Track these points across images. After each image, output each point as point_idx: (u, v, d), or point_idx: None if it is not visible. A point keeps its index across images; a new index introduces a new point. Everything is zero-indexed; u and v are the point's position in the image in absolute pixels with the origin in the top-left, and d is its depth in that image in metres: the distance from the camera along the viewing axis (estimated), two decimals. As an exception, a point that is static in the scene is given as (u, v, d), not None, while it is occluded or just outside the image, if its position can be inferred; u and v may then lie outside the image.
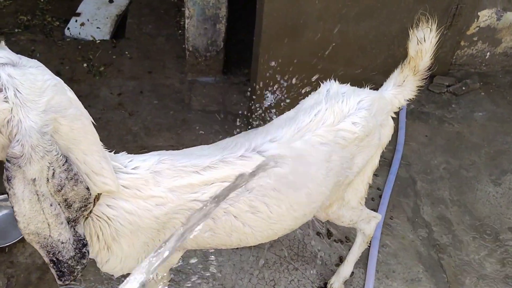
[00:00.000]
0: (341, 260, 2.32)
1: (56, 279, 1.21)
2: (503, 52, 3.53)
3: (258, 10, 2.46)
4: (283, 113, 1.68)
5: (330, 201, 1.72)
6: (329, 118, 1.52)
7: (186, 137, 2.93)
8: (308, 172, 1.50)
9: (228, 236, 1.51)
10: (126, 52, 3.53)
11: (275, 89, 2.66)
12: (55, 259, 1.18)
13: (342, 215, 1.84)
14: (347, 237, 2.42)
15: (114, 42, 3.62)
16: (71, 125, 1.12)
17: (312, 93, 1.70)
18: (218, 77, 3.37)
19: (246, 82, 3.34)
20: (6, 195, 2.38)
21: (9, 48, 1.11)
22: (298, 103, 1.70)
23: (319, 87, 1.70)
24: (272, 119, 1.69)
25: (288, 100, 2.48)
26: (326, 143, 1.49)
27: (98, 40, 3.63)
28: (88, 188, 1.18)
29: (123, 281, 1.02)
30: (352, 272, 2.22)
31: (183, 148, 1.56)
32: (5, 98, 1.01)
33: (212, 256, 2.27)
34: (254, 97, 2.75)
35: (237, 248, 1.87)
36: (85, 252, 1.23)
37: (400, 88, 1.75)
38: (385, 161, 2.81)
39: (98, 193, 1.26)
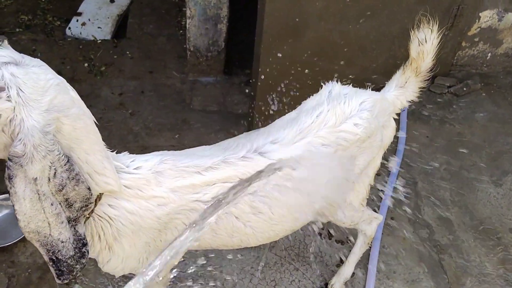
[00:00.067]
0: (342, 260, 2.32)
1: (55, 278, 1.21)
2: (504, 53, 3.53)
3: (259, 10, 2.46)
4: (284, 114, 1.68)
5: (331, 202, 1.72)
6: (331, 119, 1.51)
7: (187, 137, 2.93)
8: (310, 173, 1.49)
9: (230, 236, 1.51)
10: (127, 52, 3.53)
11: (276, 89, 2.67)
12: (54, 258, 1.18)
13: (343, 216, 1.84)
14: (348, 237, 2.42)
15: (115, 42, 3.62)
16: (74, 124, 1.12)
17: (314, 94, 1.70)
18: (219, 77, 3.37)
19: (247, 82, 3.34)
20: (6, 195, 2.39)
21: (10, 48, 1.11)
22: (300, 104, 1.70)
23: (321, 88, 1.69)
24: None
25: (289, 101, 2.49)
26: (328, 144, 1.49)
27: (99, 40, 3.63)
28: (89, 188, 1.18)
29: (125, 281, 1.02)
30: (353, 273, 2.22)
31: (184, 148, 1.56)
32: (7, 97, 1.01)
33: (213, 257, 2.27)
34: (255, 97, 2.75)
35: (238, 248, 1.87)
36: (84, 252, 1.23)
37: (402, 89, 1.75)
38: (386, 162, 2.81)
39: (100, 193, 1.26)
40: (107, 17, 3.79)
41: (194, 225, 1.12)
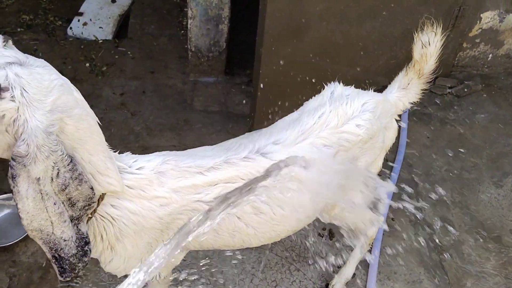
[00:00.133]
0: (343, 261, 2.32)
1: (58, 275, 1.22)
2: (505, 54, 3.53)
3: (260, 11, 2.46)
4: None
5: (333, 203, 1.72)
6: (333, 120, 1.51)
7: (188, 137, 2.93)
8: (312, 174, 1.49)
9: (231, 237, 1.51)
10: (129, 52, 3.53)
11: (277, 90, 2.66)
12: (57, 256, 1.19)
13: (345, 217, 1.84)
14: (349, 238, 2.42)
15: (116, 42, 3.62)
16: (77, 125, 1.12)
17: (315, 95, 1.70)
18: (221, 78, 3.37)
19: (248, 82, 3.34)
20: (7, 195, 2.39)
21: (12, 48, 1.11)
22: (301, 104, 1.70)
23: (323, 88, 1.70)
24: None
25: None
26: (330, 145, 1.49)
27: (101, 40, 3.63)
28: (92, 188, 1.18)
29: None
30: (354, 274, 2.23)
31: (185, 148, 1.56)
32: (11, 97, 1.01)
33: (214, 257, 2.27)
34: (256, 97, 2.75)
35: (239, 249, 1.87)
36: (87, 250, 1.24)
37: (405, 91, 1.75)
38: (387, 163, 2.81)
39: (102, 193, 1.26)
40: (109, 17, 3.79)
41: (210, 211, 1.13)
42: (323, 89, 1.68)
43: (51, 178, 1.09)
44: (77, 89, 1.16)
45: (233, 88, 3.32)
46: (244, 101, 3.19)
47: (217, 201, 1.16)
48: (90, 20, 3.75)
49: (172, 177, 1.37)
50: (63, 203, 1.15)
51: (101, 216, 1.31)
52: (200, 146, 1.60)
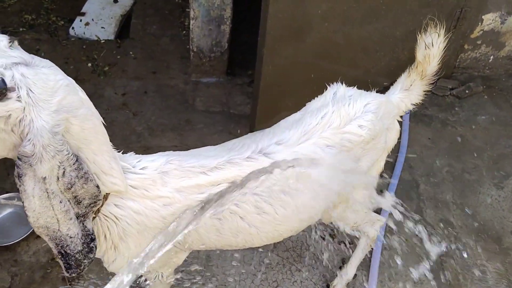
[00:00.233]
0: (344, 262, 2.33)
1: (64, 271, 1.24)
2: (507, 55, 3.54)
3: (262, 12, 2.47)
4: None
5: (335, 203, 1.73)
6: (335, 121, 1.52)
7: (190, 137, 2.94)
8: (314, 174, 1.50)
9: (234, 236, 1.51)
10: (131, 52, 3.54)
11: (279, 90, 2.67)
12: (63, 252, 1.21)
13: (346, 218, 1.85)
14: (350, 239, 2.43)
15: (118, 42, 3.63)
16: (82, 125, 1.13)
17: (317, 95, 1.71)
18: (222, 78, 3.37)
19: (250, 83, 3.35)
20: (9, 194, 2.40)
21: (14, 48, 1.12)
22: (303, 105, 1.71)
23: (325, 89, 1.70)
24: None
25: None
26: (333, 145, 1.50)
27: (103, 40, 3.64)
28: (98, 186, 1.20)
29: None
30: (355, 274, 2.23)
31: (187, 149, 1.57)
32: (18, 97, 1.02)
33: (215, 257, 2.28)
34: (258, 98, 2.76)
35: (241, 249, 1.88)
36: (92, 247, 1.25)
37: (407, 92, 1.76)
38: (388, 164, 2.82)
39: (106, 193, 1.27)
40: (111, 17, 3.80)
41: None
42: (325, 90, 1.69)
43: (57, 177, 1.10)
44: (82, 89, 1.17)
45: (234, 88, 3.33)
46: (245, 102, 3.20)
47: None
48: (92, 20, 3.76)
49: (175, 177, 1.38)
50: (69, 201, 1.16)
51: (105, 215, 1.32)
52: (201, 146, 1.61)
